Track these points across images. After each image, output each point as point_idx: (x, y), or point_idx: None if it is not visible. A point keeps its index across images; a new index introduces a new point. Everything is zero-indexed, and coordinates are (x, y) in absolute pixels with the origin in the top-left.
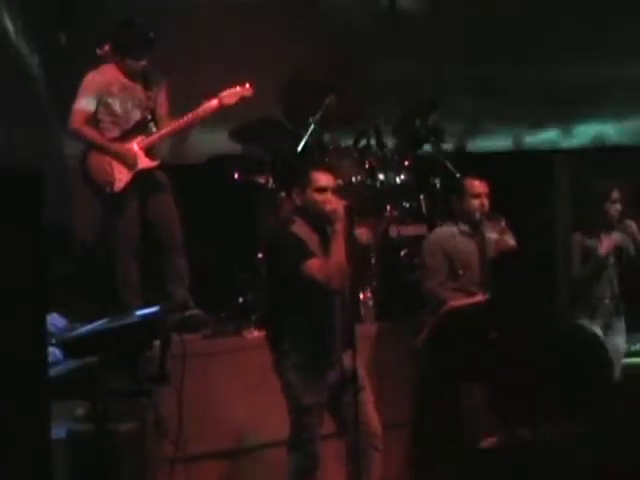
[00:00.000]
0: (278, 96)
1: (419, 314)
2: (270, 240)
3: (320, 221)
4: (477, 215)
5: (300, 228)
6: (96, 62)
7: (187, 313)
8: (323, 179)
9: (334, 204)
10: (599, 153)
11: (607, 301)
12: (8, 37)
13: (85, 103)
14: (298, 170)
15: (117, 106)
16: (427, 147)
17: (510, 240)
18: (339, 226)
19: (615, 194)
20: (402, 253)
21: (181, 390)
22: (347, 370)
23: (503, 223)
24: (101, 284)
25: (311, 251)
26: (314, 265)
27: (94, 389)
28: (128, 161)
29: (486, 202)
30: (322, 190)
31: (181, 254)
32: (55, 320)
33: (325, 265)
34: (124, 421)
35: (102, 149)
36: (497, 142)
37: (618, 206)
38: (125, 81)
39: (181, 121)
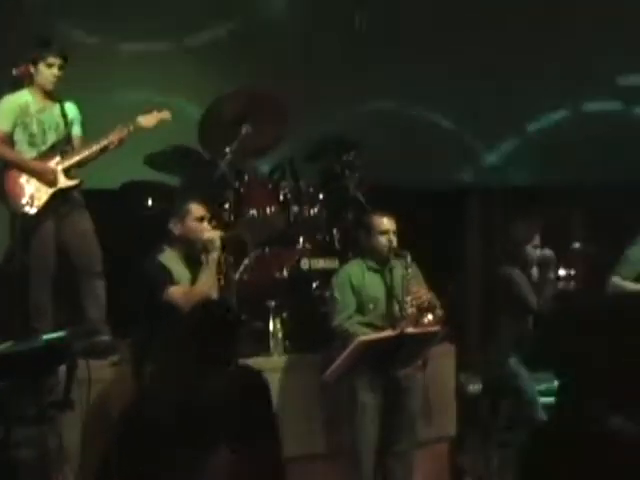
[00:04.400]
0: (195, 125)
1: (329, 347)
2: (139, 270)
3: (195, 250)
4: (384, 252)
5: (168, 258)
6: (13, 82)
7: (94, 339)
8: (200, 210)
9: (211, 233)
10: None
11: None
12: None
13: (1, 124)
14: (178, 200)
15: (34, 127)
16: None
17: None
18: (213, 255)
19: (537, 238)
20: (314, 286)
21: (85, 417)
22: None
23: (409, 258)
24: (9, 306)
25: (174, 279)
26: (175, 292)
27: None
28: (48, 178)
29: (394, 239)
30: (200, 220)
31: (100, 277)
32: None
33: (188, 292)
34: (26, 447)
35: (20, 166)
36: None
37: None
38: (42, 103)
39: (99, 144)
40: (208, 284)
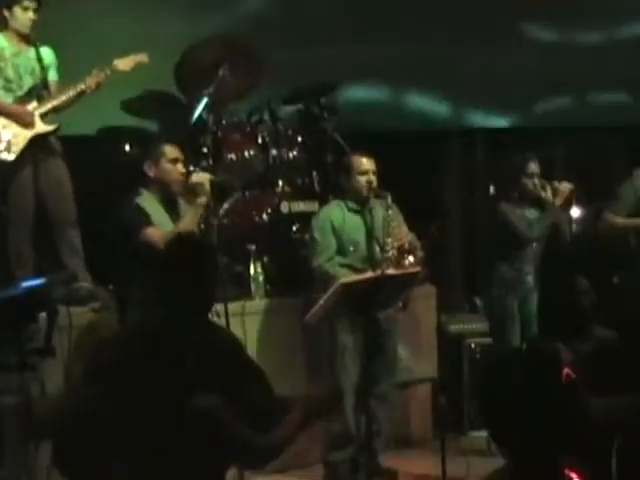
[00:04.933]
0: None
1: (310, 290)
2: (116, 214)
3: (170, 192)
4: (364, 192)
5: (145, 200)
6: None
7: (75, 285)
8: (174, 152)
9: (200, 176)
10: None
11: (529, 276)
12: None
13: None
14: (152, 143)
15: (9, 71)
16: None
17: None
18: (202, 199)
19: (532, 167)
20: (294, 229)
21: (67, 363)
22: None
23: (389, 199)
24: None
25: (151, 221)
26: (154, 232)
27: None
28: (25, 121)
29: (373, 179)
30: (174, 162)
31: (75, 226)
32: None
33: (168, 233)
34: (8, 394)
35: None
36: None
37: (536, 180)
38: (17, 47)
39: (75, 88)
40: (189, 226)
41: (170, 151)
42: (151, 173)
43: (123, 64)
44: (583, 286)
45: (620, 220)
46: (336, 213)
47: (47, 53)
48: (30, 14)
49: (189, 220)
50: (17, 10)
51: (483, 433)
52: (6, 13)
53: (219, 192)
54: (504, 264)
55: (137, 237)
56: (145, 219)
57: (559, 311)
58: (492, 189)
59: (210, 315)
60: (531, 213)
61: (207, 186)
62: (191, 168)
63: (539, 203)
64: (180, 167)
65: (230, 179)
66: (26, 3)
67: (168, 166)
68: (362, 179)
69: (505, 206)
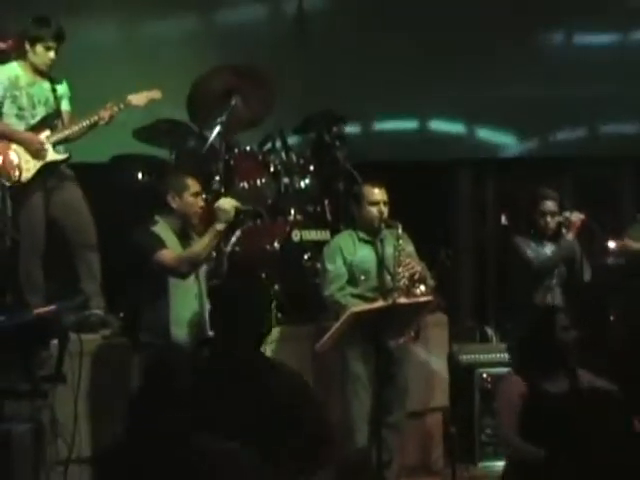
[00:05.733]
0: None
1: (321, 319)
2: (130, 241)
3: (189, 224)
4: (375, 222)
5: (161, 229)
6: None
7: (86, 312)
8: (197, 185)
9: (226, 203)
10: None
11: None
12: None
13: None
14: (174, 175)
15: (24, 100)
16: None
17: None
18: (220, 226)
19: (548, 205)
20: (305, 257)
21: (78, 390)
22: None
23: (400, 229)
24: (1, 280)
25: (165, 245)
26: (165, 253)
27: None
28: (37, 150)
29: (384, 210)
30: (196, 195)
31: (94, 249)
32: None
33: (181, 254)
34: (18, 421)
35: (9, 137)
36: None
37: (550, 218)
38: (32, 76)
39: (88, 120)
40: (204, 251)
41: (193, 184)
42: (174, 204)
43: (137, 99)
44: (562, 322)
45: (636, 246)
46: (347, 243)
47: (61, 85)
48: (51, 54)
49: (205, 244)
50: (39, 47)
51: (493, 463)
52: (27, 46)
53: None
54: (519, 296)
55: (151, 259)
56: (159, 243)
57: (535, 346)
58: (504, 219)
59: None
60: (546, 247)
61: (232, 213)
62: (203, 196)
63: (554, 237)
64: (201, 201)
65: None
66: (50, 43)
67: (191, 199)
68: (373, 209)
69: (519, 239)
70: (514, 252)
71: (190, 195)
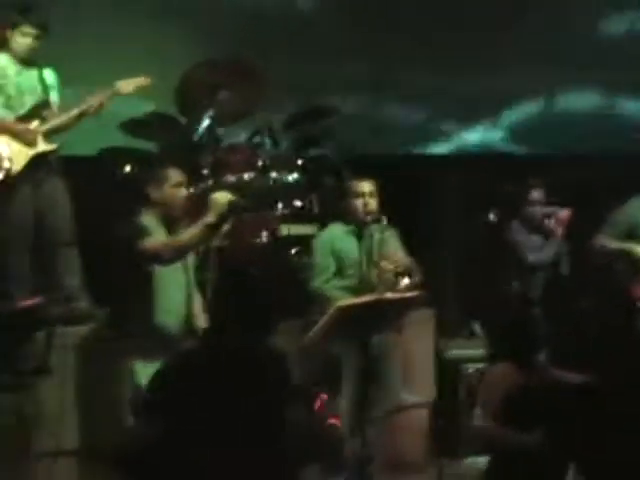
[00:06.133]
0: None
1: (307, 313)
2: (116, 232)
3: (172, 216)
4: (361, 215)
5: (146, 220)
6: None
7: (72, 305)
8: (178, 176)
9: (221, 196)
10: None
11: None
12: None
13: None
14: (154, 165)
15: (11, 89)
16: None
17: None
18: (209, 218)
19: (535, 195)
20: (292, 252)
21: (64, 383)
22: None
23: (385, 222)
24: None
25: (151, 234)
26: (155, 241)
27: None
28: (28, 139)
29: (371, 202)
30: (178, 186)
31: (72, 245)
32: None
33: (169, 241)
34: (3, 414)
35: None
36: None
37: (539, 208)
38: (19, 66)
39: (78, 108)
40: (189, 241)
41: (174, 175)
42: (154, 195)
43: (125, 86)
44: (536, 316)
45: (612, 245)
46: (336, 234)
47: (49, 74)
48: (28, 40)
49: (192, 234)
50: (16, 34)
51: (479, 459)
52: (8, 34)
53: None
54: (507, 290)
55: (137, 248)
56: (144, 233)
57: (509, 337)
58: (492, 215)
59: None
60: (534, 240)
61: (225, 207)
62: (191, 190)
63: (541, 230)
64: (183, 191)
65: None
66: (25, 29)
67: (172, 190)
68: (359, 202)
69: (512, 233)
70: (505, 246)
71: (170, 186)
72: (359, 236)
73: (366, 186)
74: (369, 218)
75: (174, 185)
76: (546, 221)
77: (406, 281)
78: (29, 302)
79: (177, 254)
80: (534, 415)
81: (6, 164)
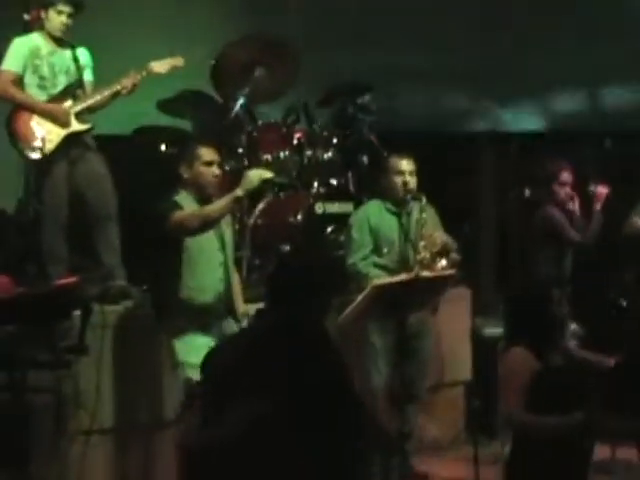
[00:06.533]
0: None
1: (343, 292)
2: (151, 210)
3: (206, 194)
4: (400, 192)
5: (183, 199)
6: (24, 27)
7: (109, 283)
8: (210, 154)
9: (256, 173)
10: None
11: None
12: None
13: (12, 64)
14: (187, 144)
15: (45, 69)
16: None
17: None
18: (241, 192)
19: (565, 176)
20: (328, 230)
21: (100, 361)
22: None
23: (424, 201)
24: (23, 252)
25: (182, 209)
26: (180, 213)
27: (10, 359)
28: (61, 120)
29: (411, 180)
30: (209, 164)
31: (114, 222)
32: None
33: (197, 210)
34: (41, 392)
35: (32, 107)
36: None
37: (567, 189)
38: (53, 46)
39: (110, 89)
40: (217, 213)
41: (206, 153)
42: (186, 175)
43: (159, 66)
44: (556, 297)
45: None
46: (374, 212)
47: (83, 53)
48: (63, 18)
49: (220, 205)
50: (51, 13)
51: None
52: (42, 14)
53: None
54: (544, 267)
55: (168, 223)
56: (178, 208)
57: (527, 318)
58: (527, 192)
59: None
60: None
61: (255, 183)
62: (226, 168)
63: (567, 212)
64: (215, 169)
65: None
66: (60, 7)
67: (202, 169)
68: (399, 179)
69: (552, 210)
70: (543, 224)
71: (201, 164)
72: (397, 214)
73: (406, 164)
74: (408, 196)
75: (205, 163)
76: (570, 204)
77: (444, 262)
78: (66, 281)
79: (202, 224)
80: (562, 397)
81: (40, 144)
